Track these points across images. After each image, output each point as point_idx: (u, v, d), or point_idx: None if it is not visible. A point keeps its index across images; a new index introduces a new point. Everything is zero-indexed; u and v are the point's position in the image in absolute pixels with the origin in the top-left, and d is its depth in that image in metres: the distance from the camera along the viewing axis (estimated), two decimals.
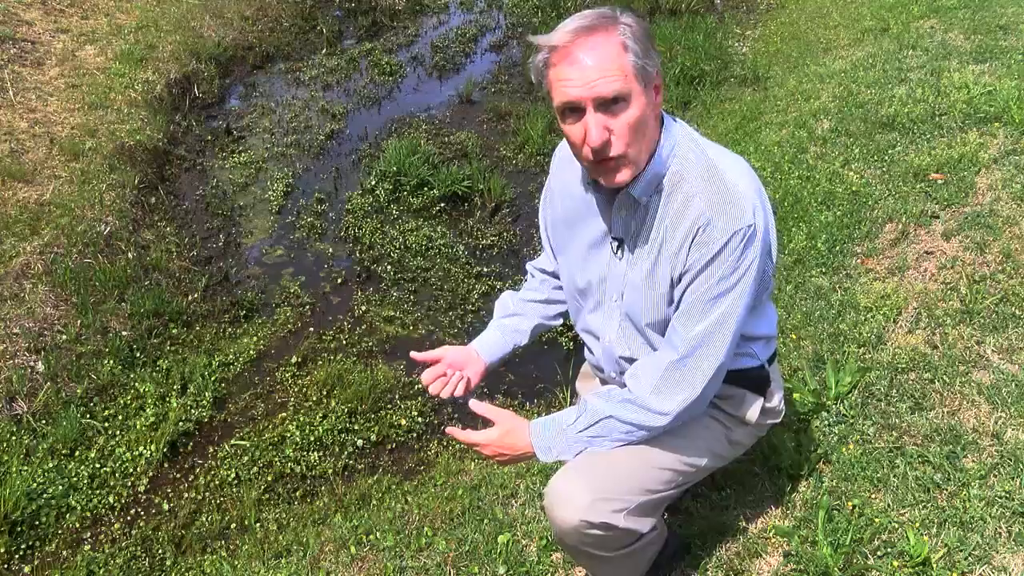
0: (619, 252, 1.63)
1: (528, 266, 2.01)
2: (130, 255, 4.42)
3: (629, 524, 1.58)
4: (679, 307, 1.55)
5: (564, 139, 1.74)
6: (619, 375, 1.76)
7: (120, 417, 3.50)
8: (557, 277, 1.92)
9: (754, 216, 1.48)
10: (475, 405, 1.71)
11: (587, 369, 2.04)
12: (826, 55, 5.82)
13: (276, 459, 3.36)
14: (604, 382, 1.92)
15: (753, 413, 1.74)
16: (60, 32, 6.52)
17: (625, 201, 1.57)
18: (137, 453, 3.34)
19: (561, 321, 1.99)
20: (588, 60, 1.39)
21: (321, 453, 3.40)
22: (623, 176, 1.48)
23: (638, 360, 1.64)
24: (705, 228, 1.47)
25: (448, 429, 1.74)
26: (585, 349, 1.88)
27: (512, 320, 1.93)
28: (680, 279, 1.53)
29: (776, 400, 1.79)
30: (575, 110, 1.43)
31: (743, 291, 1.50)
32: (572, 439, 1.61)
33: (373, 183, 5.29)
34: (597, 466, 1.60)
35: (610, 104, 1.41)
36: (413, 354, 1.84)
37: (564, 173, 1.74)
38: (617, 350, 1.71)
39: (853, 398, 2.43)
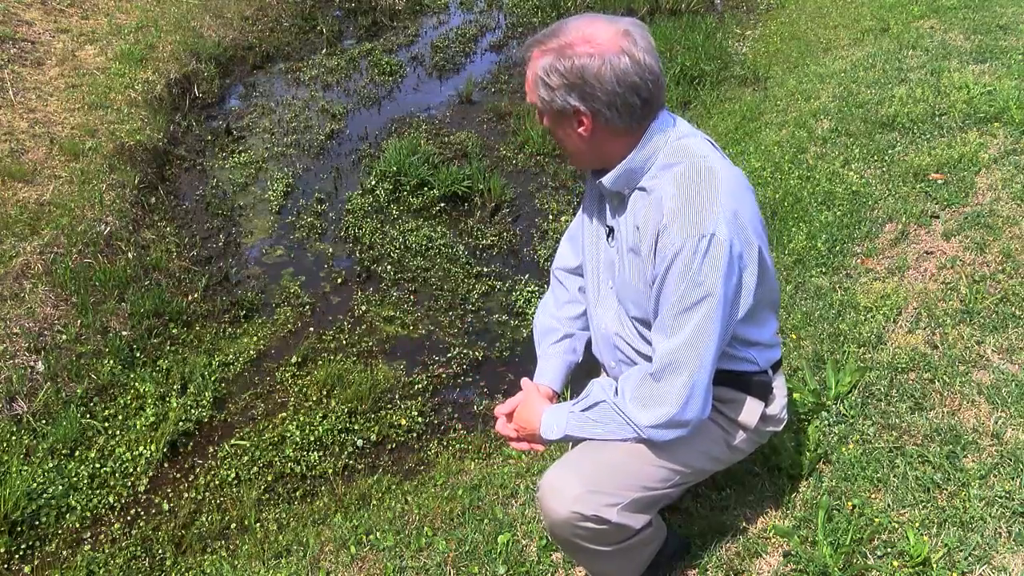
0: (610, 239, 1.69)
1: (554, 271, 1.99)
2: (130, 255, 4.42)
3: (621, 519, 1.58)
4: (654, 315, 1.56)
5: None
6: (617, 363, 1.77)
7: (120, 417, 3.50)
8: (582, 275, 1.93)
9: (715, 226, 1.45)
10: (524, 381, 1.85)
11: (593, 367, 2.04)
12: (826, 55, 5.82)
13: (276, 459, 3.36)
14: (608, 373, 1.93)
15: (752, 418, 1.73)
16: (60, 32, 6.51)
17: (609, 192, 1.64)
18: (137, 453, 3.34)
19: None
20: (527, 72, 1.57)
21: (321, 453, 3.40)
22: (572, 165, 1.65)
23: (633, 364, 1.68)
24: (663, 233, 1.49)
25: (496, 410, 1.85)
26: (592, 343, 1.90)
27: (564, 344, 1.92)
28: (653, 283, 1.55)
29: (778, 408, 1.79)
30: None
31: (713, 306, 1.48)
32: (572, 416, 1.66)
33: (373, 183, 5.29)
34: (591, 460, 1.62)
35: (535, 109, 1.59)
36: (498, 411, 1.84)
37: None
38: (612, 329, 1.75)
39: (853, 398, 2.43)
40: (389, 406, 3.66)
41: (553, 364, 1.89)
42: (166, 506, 3.17)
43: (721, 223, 1.46)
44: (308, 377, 3.79)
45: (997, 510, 1.96)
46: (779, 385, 1.79)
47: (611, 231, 1.68)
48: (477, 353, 3.97)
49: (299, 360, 3.88)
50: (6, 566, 2.88)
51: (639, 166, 1.56)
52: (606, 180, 1.59)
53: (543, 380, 1.87)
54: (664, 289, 1.51)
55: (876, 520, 1.99)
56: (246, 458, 3.37)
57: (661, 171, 1.55)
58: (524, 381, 1.84)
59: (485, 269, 4.59)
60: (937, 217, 3.28)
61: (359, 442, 3.47)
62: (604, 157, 1.59)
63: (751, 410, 1.73)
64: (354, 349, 3.99)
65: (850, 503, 2.06)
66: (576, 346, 1.92)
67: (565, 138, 1.59)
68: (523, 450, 1.82)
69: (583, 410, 1.65)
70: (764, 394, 1.74)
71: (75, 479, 3.19)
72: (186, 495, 3.22)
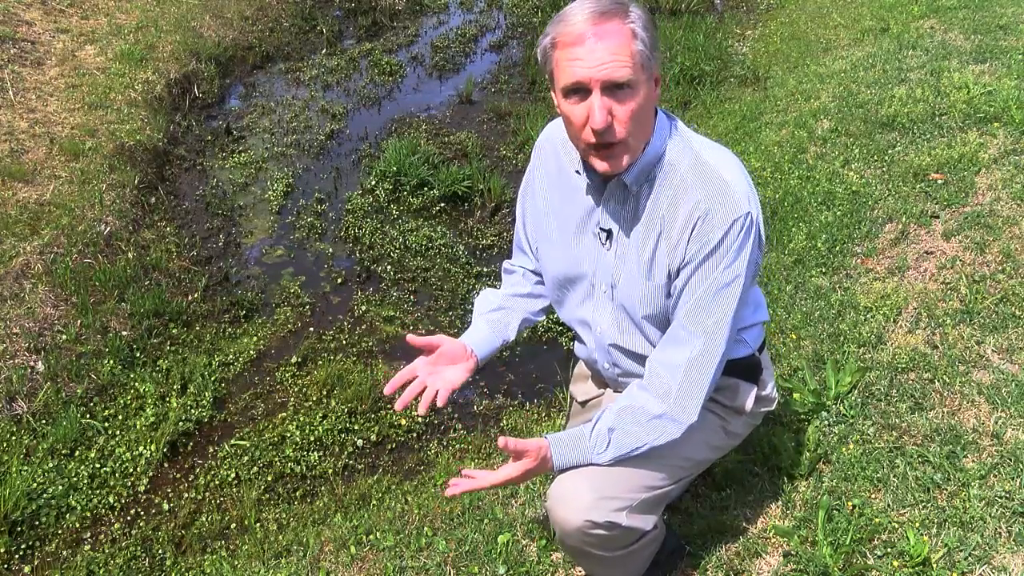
0: (607, 243, 1.63)
1: (505, 264, 1.97)
2: (130, 255, 4.42)
3: (632, 522, 1.58)
4: (681, 301, 1.54)
5: (544, 129, 1.75)
6: (612, 366, 1.76)
7: (120, 417, 3.50)
8: (536, 272, 1.90)
9: (749, 204, 1.49)
10: (504, 442, 1.50)
11: (580, 370, 2.03)
12: (826, 55, 5.82)
13: (276, 459, 3.36)
14: (597, 375, 1.92)
15: (748, 402, 1.75)
16: (60, 32, 6.51)
17: (616, 190, 1.58)
18: (137, 453, 3.34)
19: (544, 316, 1.95)
20: (600, 43, 1.40)
21: (321, 453, 3.40)
22: (621, 163, 1.49)
23: (651, 368, 1.60)
24: (704, 218, 1.48)
25: (453, 485, 1.56)
26: (575, 342, 1.88)
27: (498, 315, 1.86)
28: (679, 272, 1.53)
29: (769, 388, 1.81)
30: (580, 91, 1.44)
31: (742, 280, 1.51)
32: (602, 463, 1.58)
33: (373, 183, 5.29)
34: (597, 466, 1.60)
35: (615, 89, 1.42)
36: (410, 338, 1.72)
37: (547, 162, 1.74)
38: (609, 339, 1.71)
39: (853, 398, 2.43)
40: (389, 406, 3.66)
41: (482, 330, 1.80)
42: (166, 506, 3.17)
43: (752, 201, 1.50)
44: (308, 377, 3.79)
45: (997, 510, 1.96)
46: (767, 365, 1.81)
47: (608, 233, 1.62)
48: None
49: (299, 360, 3.88)
50: (6, 566, 2.88)
51: (654, 153, 1.53)
52: (628, 178, 1.54)
53: (468, 340, 1.77)
54: (700, 271, 1.50)
55: (876, 520, 1.99)
56: (246, 458, 3.36)
57: (672, 158, 1.53)
58: (410, 337, 1.70)
59: (485, 269, 4.59)
60: (937, 217, 3.28)
61: (359, 442, 3.47)
62: (649, 133, 1.53)
63: (745, 394, 1.74)
64: (354, 349, 3.99)
65: (850, 503, 2.06)
66: (509, 321, 1.84)
67: (643, 108, 1.46)
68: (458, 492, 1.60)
69: (617, 456, 1.56)
70: (755, 376, 1.76)
71: (75, 479, 3.19)
72: (186, 495, 3.22)
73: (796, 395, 2.41)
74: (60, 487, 3.13)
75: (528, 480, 1.65)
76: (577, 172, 1.64)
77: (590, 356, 1.82)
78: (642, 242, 1.57)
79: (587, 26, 1.40)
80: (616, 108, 1.43)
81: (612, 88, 1.42)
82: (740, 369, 1.72)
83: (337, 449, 3.43)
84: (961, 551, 1.88)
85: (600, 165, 1.50)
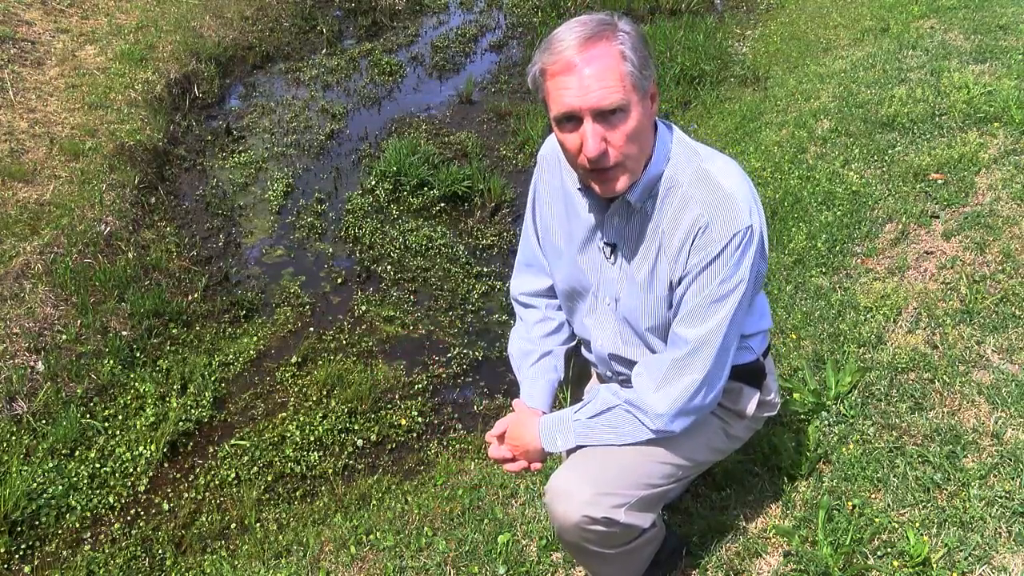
0: (612, 258, 1.64)
1: (517, 297, 1.92)
2: (130, 255, 4.42)
3: (630, 519, 1.58)
4: (680, 311, 1.55)
5: (546, 141, 1.76)
6: (614, 376, 1.77)
7: (120, 417, 3.50)
8: (548, 295, 1.88)
9: (751, 217, 1.48)
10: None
11: (583, 371, 2.04)
12: (826, 55, 5.82)
13: (276, 459, 3.36)
14: (599, 378, 1.93)
15: (751, 406, 1.75)
16: (60, 32, 6.52)
17: (620, 207, 1.58)
18: (137, 453, 3.34)
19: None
20: (587, 70, 1.39)
21: (321, 453, 3.40)
22: (620, 185, 1.50)
23: (641, 360, 1.63)
24: (704, 230, 1.48)
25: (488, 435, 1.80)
26: (582, 348, 1.88)
27: (545, 361, 1.85)
28: (680, 282, 1.54)
29: (772, 392, 1.81)
30: (572, 119, 1.43)
31: (742, 292, 1.50)
32: (580, 425, 1.62)
33: (373, 183, 5.29)
34: (597, 461, 1.61)
35: (608, 115, 1.41)
36: (491, 447, 1.79)
37: (551, 177, 1.74)
38: (608, 350, 1.72)
39: (853, 398, 2.43)
40: (389, 406, 3.66)
41: (538, 386, 1.82)
42: (166, 506, 3.17)
43: (754, 213, 1.49)
44: (308, 377, 3.79)
45: (997, 510, 1.96)
46: (770, 369, 1.81)
47: (612, 248, 1.63)
48: (477, 353, 3.97)
49: (299, 360, 3.88)
50: (6, 566, 2.88)
51: (657, 170, 1.53)
52: (632, 196, 1.53)
53: (531, 404, 1.80)
54: (697, 282, 1.50)
55: (876, 520, 1.99)
56: (246, 458, 3.37)
57: (675, 172, 1.53)
58: (516, 402, 1.79)
59: (485, 269, 4.59)
60: (937, 217, 3.28)
61: (359, 442, 3.47)
62: (648, 150, 1.52)
63: (748, 398, 1.75)
64: (354, 349, 3.99)
65: (850, 503, 2.06)
66: (556, 363, 1.86)
67: (639, 129, 1.45)
68: (519, 471, 1.75)
69: (590, 417, 1.61)
70: (759, 381, 1.76)
71: (75, 479, 3.19)
72: (186, 495, 3.22)
73: (796, 395, 2.41)
74: (60, 487, 3.13)
75: (519, 450, 1.71)
76: (580, 190, 1.64)
77: (593, 362, 1.85)
78: (644, 256, 1.58)
79: (574, 53, 1.40)
80: (610, 134, 1.42)
81: (604, 114, 1.41)
82: (744, 374, 1.72)
83: (337, 449, 3.43)
84: (961, 551, 1.88)
85: (601, 189, 1.51)
